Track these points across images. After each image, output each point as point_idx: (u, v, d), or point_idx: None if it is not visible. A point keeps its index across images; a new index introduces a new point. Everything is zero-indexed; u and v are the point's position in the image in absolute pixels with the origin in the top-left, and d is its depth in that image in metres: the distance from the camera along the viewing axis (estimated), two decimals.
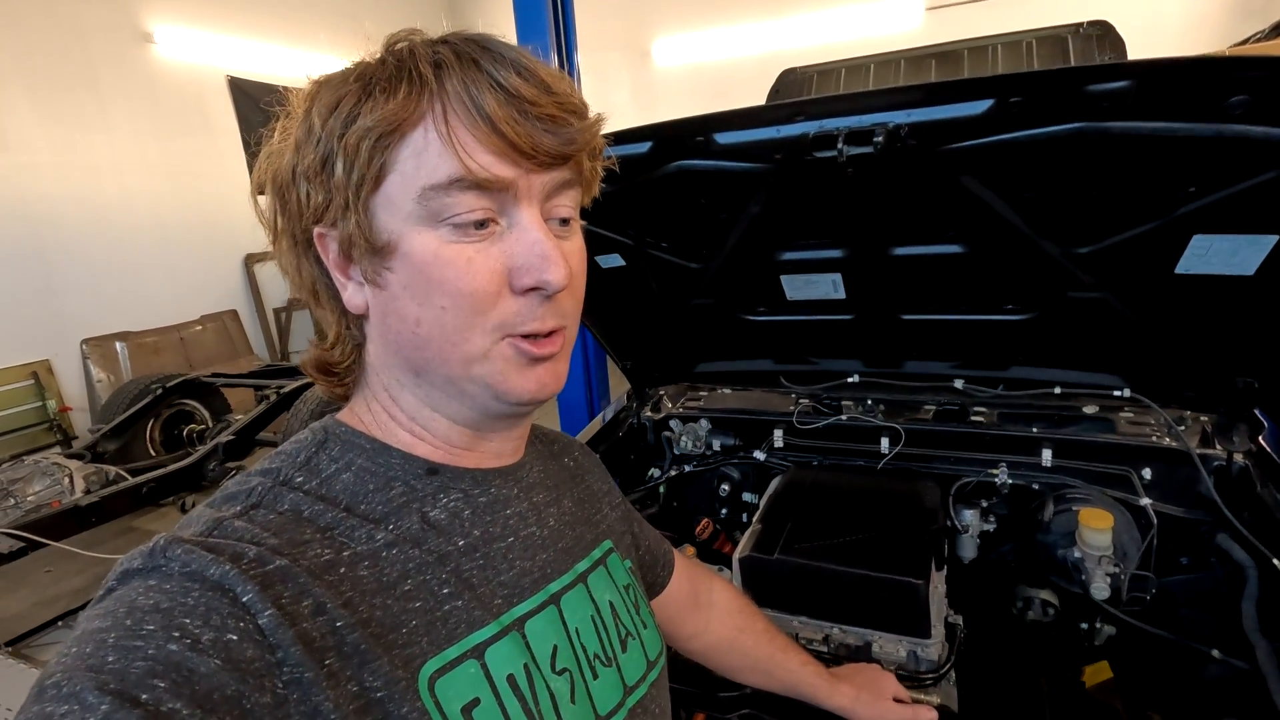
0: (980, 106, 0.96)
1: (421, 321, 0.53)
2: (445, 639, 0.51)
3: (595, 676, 0.62)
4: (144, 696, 0.37)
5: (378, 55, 0.54)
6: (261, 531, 0.49)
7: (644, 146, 1.21)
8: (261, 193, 0.59)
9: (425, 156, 0.50)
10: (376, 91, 0.51)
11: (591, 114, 0.56)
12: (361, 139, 0.50)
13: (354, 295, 0.56)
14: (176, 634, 0.40)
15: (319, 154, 0.52)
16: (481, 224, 0.52)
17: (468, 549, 0.57)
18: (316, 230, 0.54)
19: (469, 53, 0.52)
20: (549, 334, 0.56)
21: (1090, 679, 1.36)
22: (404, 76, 0.51)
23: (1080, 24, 2.92)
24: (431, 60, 0.51)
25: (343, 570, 0.50)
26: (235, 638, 0.42)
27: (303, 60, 6.55)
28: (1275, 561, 1.17)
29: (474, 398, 0.57)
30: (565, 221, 0.57)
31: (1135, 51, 2.82)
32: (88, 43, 5.02)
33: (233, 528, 0.48)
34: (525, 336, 0.55)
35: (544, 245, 0.53)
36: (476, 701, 0.51)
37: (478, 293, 0.52)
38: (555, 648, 0.59)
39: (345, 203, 0.52)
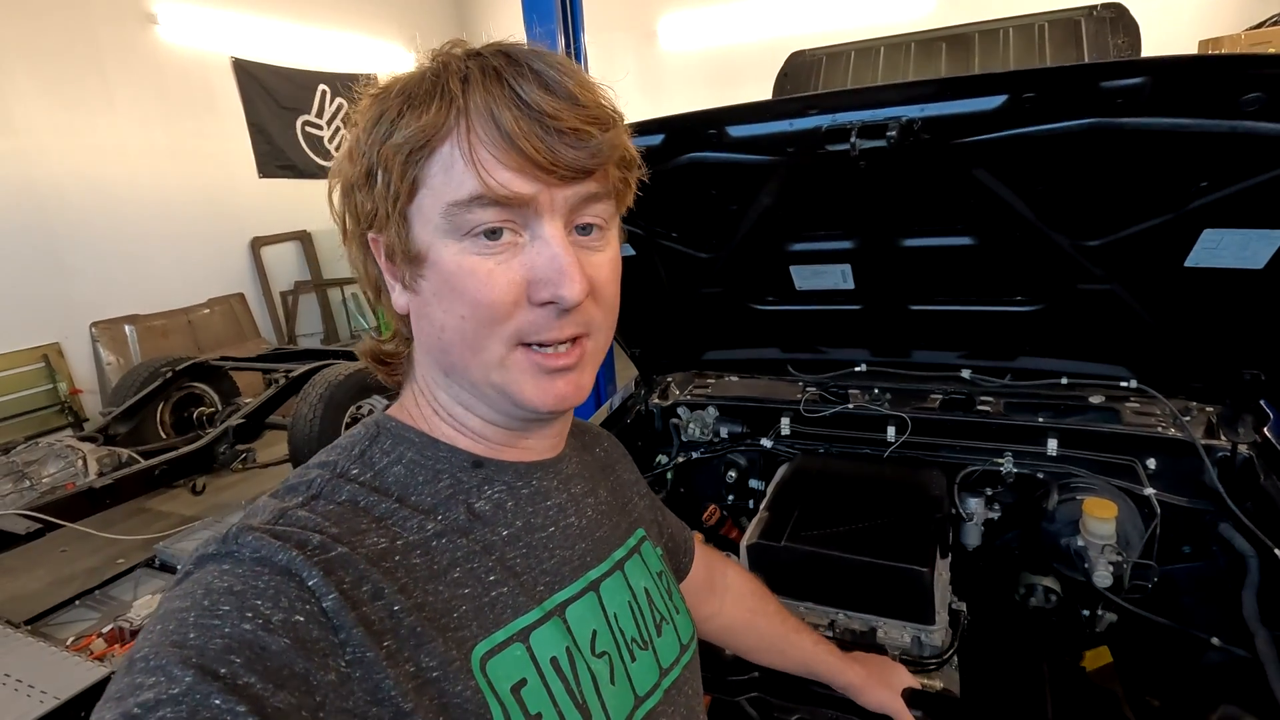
0: (994, 102, 0.96)
1: (445, 328, 0.55)
2: (493, 623, 0.54)
3: (633, 659, 0.65)
4: (222, 670, 0.40)
5: (425, 65, 0.55)
6: (323, 521, 0.51)
7: (656, 138, 1.21)
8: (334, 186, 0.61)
9: (451, 173, 0.52)
10: (413, 107, 0.52)
11: (619, 122, 0.56)
12: (395, 153, 0.52)
13: (399, 297, 0.59)
14: (249, 614, 0.43)
15: (363, 166, 0.55)
16: (494, 232, 0.53)
17: (511, 539, 0.60)
18: (370, 235, 0.58)
19: (495, 67, 0.52)
20: (568, 344, 0.57)
21: (1090, 663, 1.38)
22: (437, 92, 0.52)
23: (1094, 6, 2.89)
24: (461, 75, 0.52)
25: (397, 558, 0.52)
26: (302, 619, 0.45)
27: (306, 39, 6.50)
28: (1277, 551, 1.19)
29: (495, 403, 0.59)
30: (588, 230, 0.57)
31: (1149, 34, 2.79)
32: (92, 24, 4.98)
33: (296, 517, 0.51)
34: (541, 346, 0.56)
35: (562, 260, 0.53)
36: (524, 682, 0.54)
37: (495, 303, 0.53)
38: (595, 632, 0.62)
39: (386, 213, 0.54)
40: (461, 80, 0.52)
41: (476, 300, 0.53)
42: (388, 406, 0.65)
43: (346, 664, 0.45)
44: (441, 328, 0.55)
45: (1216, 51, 4.00)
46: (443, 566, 0.54)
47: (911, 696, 1.04)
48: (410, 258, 0.55)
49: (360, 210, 0.56)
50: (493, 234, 0.53)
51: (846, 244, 1.38)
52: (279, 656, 0.42)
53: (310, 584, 0.46)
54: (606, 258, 0.59)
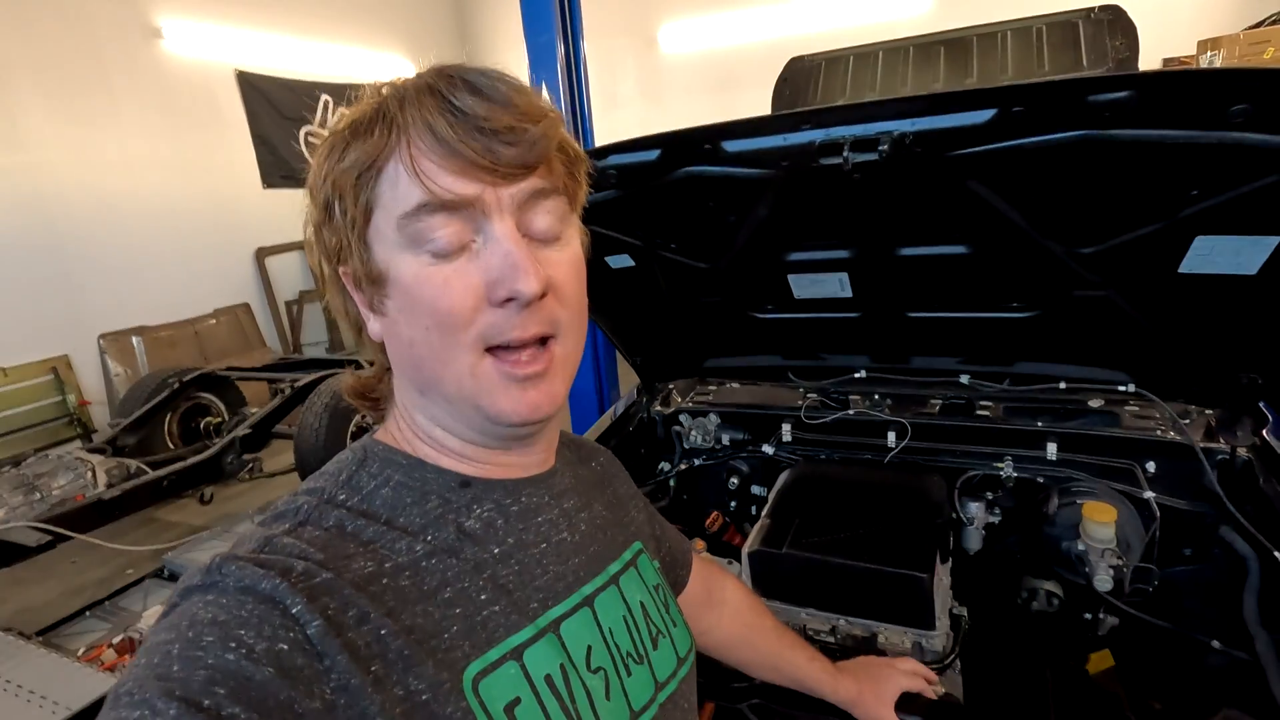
0: (984, 115, 0.97)
1: (414, 343, 0.56)
2: (485, 642, 0.54)
3: (629, 674, 0.64)
4: (206, 702, 0.41)
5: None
6: (308, 547, 0.52)
7: (653, 154, 1.22)
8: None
9: (398, 188, 0.53)
10: (360, 136, 0.54)
11: (552, 115, 0.57)
12: (345, 179, 0.54)
13: (373, 325, 0.60)
14: (233, 644, 0.44)
15: (320, 201, 0.57)
16: (456, 247, 0.54)
17: (503, 556, 0.60)
18: (341, 270, 0.59)
19: (429, 83, 0.54)
20: (534, 348, 0.57)
21: (1093, 667, 1.39)
22: (379, 116, 0.54)
23: (1091, 8, 2.90)
24: (398, 97, 0.54)
25: (385, 581, 0.52)
26: (286, 647, 0.45)
27: (309, 52, 6.55)
28: (1277, 554, 1.19)
29: (469, 418, 0.59)
30: (543, 229, 0.57)
31: (1147, 35, 2.80)
32: (97, 39, 5.04)
33: (282, 544, 0.52)
34: (508, 350, 0.56)
35: (515, 256, 0.54)
36: (517, 700, 0.54)
37: (454, 310, 0.54)
38: (590, 648, 0.62)
39: (348, 242, 0.56)
40: (399, 101, 0.54)
41: (436, 308, 0.54)
42: (351, 406, 0.68)
43: (332, 691, 0.45)
44: (410, 343, 0.56)
45: (1215, 50, 4.00)
46: (432, 587, 0.54)
47: (911, 702, 1.05)
48: (373, 279, 0.56)
49: (329, 248, 0.58)
50: (454, 248, 0.54)
51: (843, 253, 1.39)
52: (263, 686, 0.42)
53: (294, 611, 0.46)
54: (565, 257, 0.59)
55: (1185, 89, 0.89)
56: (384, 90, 0.56)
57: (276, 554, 0.51)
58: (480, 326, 0.55)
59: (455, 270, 0.54)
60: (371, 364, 0.67)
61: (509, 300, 0.54)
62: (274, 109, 6.25)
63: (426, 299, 0.54)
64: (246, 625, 0.45)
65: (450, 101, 0.53)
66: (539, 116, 0.55)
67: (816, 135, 1.06)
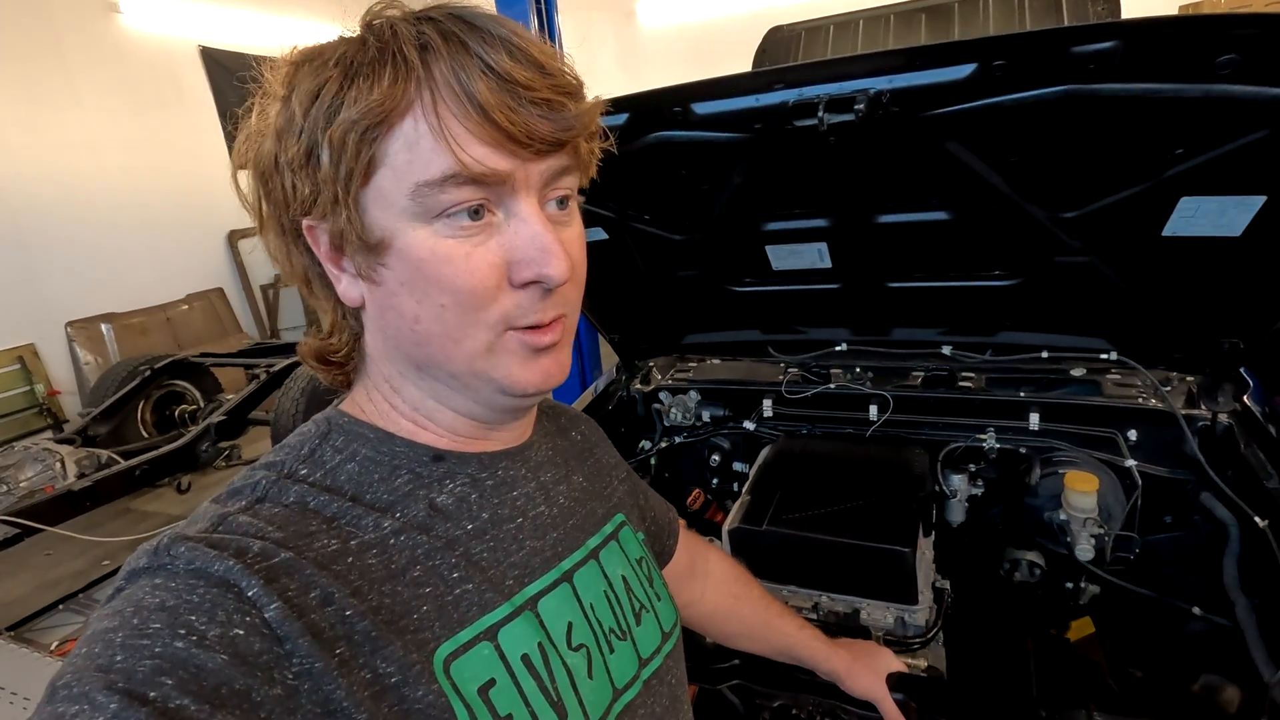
0: (963, 71, 0.93)
1: (421, 319, 0.52)
2: (457, 622, 0.52)
3: (611, 651, 0.62)
4: (151, 694, 0.38)
5: (356, 33, 0.50)
6: (266, 525, 0.48)
7: (620, 118, 1.17)
8: (243, 167, 0.56)
9: (417, 150, 0.48)
10: (359, 78, 0.47)
11: (588, 93, 0.53)
12: (347, 132, 0.47)
13: (349, 288, 0.54)
14: (182, 631, 0.41)
15: (302, 146, 0.49)
16: (476, 211, 0.50)
17: (476, 532, 0.57)
18: (305, 222, 0.52)
19: (456, 33, 0.48)
20: (550, 323, 0.55)
21: (1074, 635, 1.39)
22: (388, 61, 0.47)
23: None
24: (417, 43, 0.48)
25: (350, 559, 0.50)
26: (241, 632, 0.42)
27: (276, 27, 6.34)
28: (1257, 519, 1.19)
29: (478, 392, 0.56)
30: (564, 204, 0.55)
31: (1129, 0, 2.76)
32: (51, 15, 4.84)
33: (237, 523, 0.48)
34: (527, 328, 0.54)
35: (544, 238, 0.51)
36: (493, 682, 0.52)
37: (477, 289, 0.50)
38: (570, 624, 0.59)
39: (334, 197, 0.49)
40: (419, 48, 0.48)
41: (457, 287, 0.50)
42: (329, 391, 0.62)
43: (294, 676, 0.43)
44: (415, 319, 0.52)
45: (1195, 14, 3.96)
46: (401, 566, 0.51)
47: (896, 680, 1.04)
48: (368, 246, 0.50)
49: (292, 195, 0.50)
50: (474, 214, 0.50)
51: (822, 222, 1.35)
52: (215, 675, 0.40)
53: (250, 594, 0.44)
54: (575, 233, 0.57)
55: (1172, 37, 0.85)
56: (383, 25, 0.49)
57: (231, 533, 0.47)
58: (503, 308, 0.52)
59: (476, 245, 0.50)
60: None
61: (532, 283, 0.51)
62: (241, 88, 6.06)
63: (445, 275, 0.50)
64: (198, 610, 0.42)
65: (486, 60, 0.47)
66: (576, 93, 0.51)
67: (790, 95, 1.02)
